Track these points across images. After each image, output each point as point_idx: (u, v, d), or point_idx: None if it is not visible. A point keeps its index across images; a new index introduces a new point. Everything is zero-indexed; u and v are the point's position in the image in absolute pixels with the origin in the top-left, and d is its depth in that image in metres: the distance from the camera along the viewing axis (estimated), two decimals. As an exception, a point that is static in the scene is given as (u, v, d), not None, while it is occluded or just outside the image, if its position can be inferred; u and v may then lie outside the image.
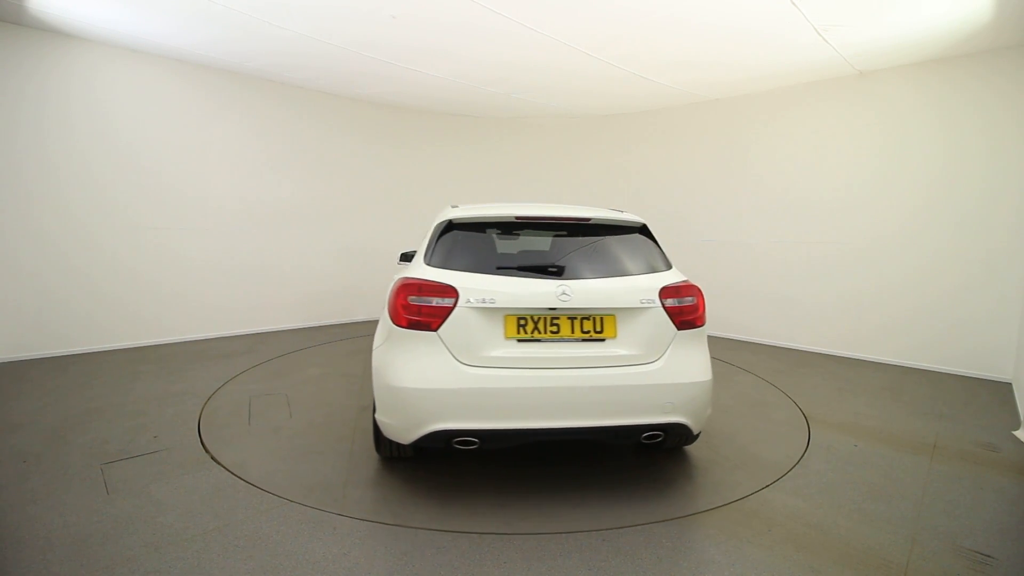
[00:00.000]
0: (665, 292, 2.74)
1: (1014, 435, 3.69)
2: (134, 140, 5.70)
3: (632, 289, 2.72)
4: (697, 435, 2.98)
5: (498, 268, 2.72)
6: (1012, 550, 2.38)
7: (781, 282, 6.37)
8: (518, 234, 3.02)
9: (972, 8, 4.04)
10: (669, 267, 2.97)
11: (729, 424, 3.81)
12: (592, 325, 2.65)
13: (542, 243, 2.93)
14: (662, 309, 2.70)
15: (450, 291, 2.60)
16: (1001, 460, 3.30)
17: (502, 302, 2.58)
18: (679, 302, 2.75)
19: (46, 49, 5.11)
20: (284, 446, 3.34)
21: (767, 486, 2.92)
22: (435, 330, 2.57)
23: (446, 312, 2.57)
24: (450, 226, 2.93)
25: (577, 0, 4.04)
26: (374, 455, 3.19)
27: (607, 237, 2.96)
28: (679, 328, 2.73)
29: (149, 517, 2.50)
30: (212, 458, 3.14)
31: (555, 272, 2.71)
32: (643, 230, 3.09)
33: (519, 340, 2.60)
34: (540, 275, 2.68)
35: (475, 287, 2.61)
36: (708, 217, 6.97)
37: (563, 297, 2.59)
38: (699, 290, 2.87)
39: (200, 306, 6.23)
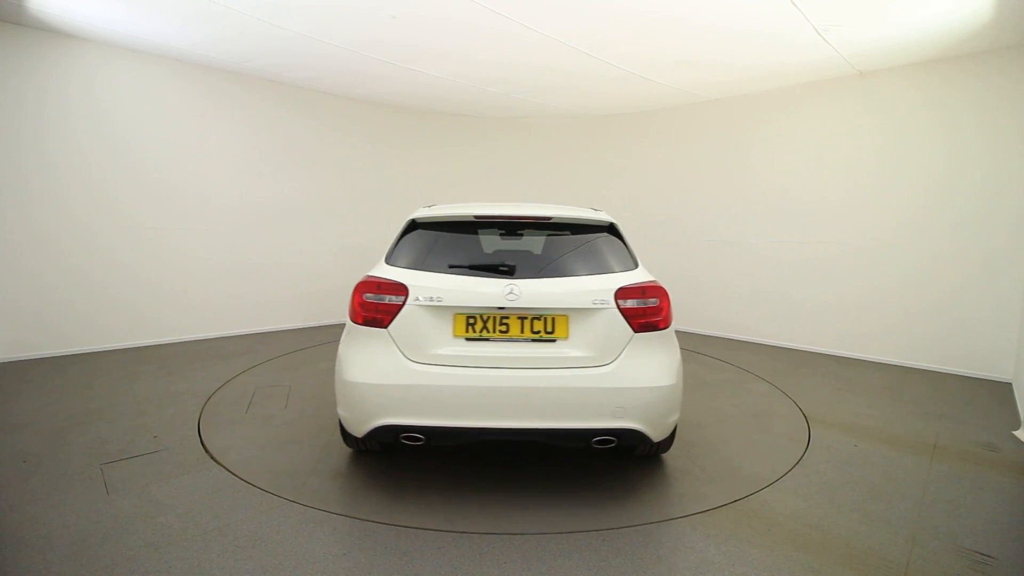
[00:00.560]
0: (621, 293, 2.64)
1: (1014, 435, 3.69)
2: (134, 140, 5.70)
3: (585, 290, 2.65)
4: (661, 442, 2.84)
5: (450, 267, 2.75)
6: (1012, 550, 2.38)
7: (781, 282, 6.37)
8: (479, 234, 2.96)
9: (972, 8, 4.04)
10: (635, 267, 2.88)
11: (728, 426, 3.81)
12: (543, 325, 2.62)
13: (502, 243, 2.93)
14: (617, 311, 2.61)
15: (400, 289, 2.65)
16: (1001, 460, 3.30)
17: (450, 300, 2.61)
18: (638, 303, 2.64)
19: (46, 49, 5.11)
20: (269, 435, 3.50)
21: (767, 486, 2.92)
22: (386, 327, 2.63)
23: (396, 309, 2.63)
24: (413, 225, 3.00)
25: (577, 0, 4.04)
26: (347, 447, 3.27)
27: (570, 236, 2.92)
28: (637, 330, 2.63)
29: (149, 517, 2.50)
30: (212, 458, 3.14)
31: (506, 271, 2.69)
32: (611, 229, 3.00)
33: (468, 339, 2.62)
34: (491, 274, 2.68)
35: (425, 285, 2.65)
36: (708, 217, 6.97)
37: (511, 297, 2.58)
38: (663, 291, 2.75)
39: (200, 306, 6.23)
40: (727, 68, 5.55)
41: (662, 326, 2.70)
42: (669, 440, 3.02)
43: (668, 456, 3.26)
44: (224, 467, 3.03)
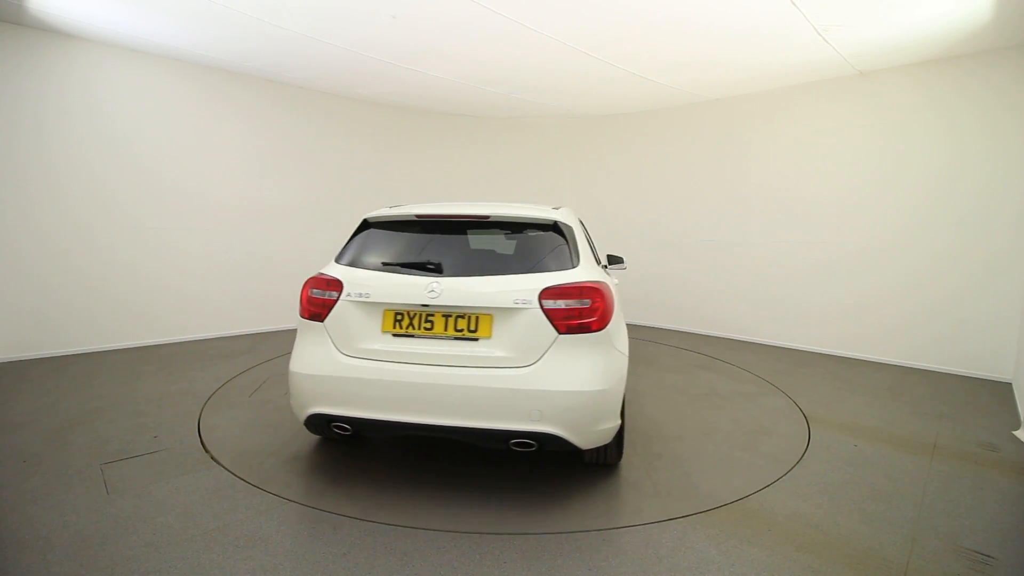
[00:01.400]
0: (546, 293, 2.56)
1: (1014, 435, 3.69)
2: (134, 139, 5.70)
3: (509, 289, 2.60)
4: (605, 451, 2.83)
5: (383, 264, 2.84)
6: (1012, 550, 2.38)
7: (781, 282, 6.37)
8: (421, 233, 3.00)
9: (972, 8, 4.04)
10: (573, 266, 2.74)
11: (710, 440, 3.72)
12: (466, 324, 2.62)
13: (440, 241, 2.93)
14: (540, 311, 2.54)
15: (337, 285, 2.77)
16: (1001, 460, 3.30)
17: (377, 297, 2.69)
18: (565, 304, 2.55)
19: (46, 49, 5.11)
20: (255, 418, 3.74)
21: (767, 486, 2.92)
22: (323, 321, 2.76)
23: (332, 304, 2.75)
24: (365, 225, 3.11)
25: (577, 0, 4.04)
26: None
27: (509, 235, 2.92)
28: (563, 332, 2.54)
29: (149, 517, 2.51)
30: (212, 458, 3.14)
31: (433, 269, 2.72)
32: (555, 227, 2.90)
33: (395, 335, 2.68)
34: (418, 272, 2.72)
35: (357, 281, 2.76)
36: (708, 217, 6.97)
37: (431, 294, 2.61)
38: (598, 292, 2.62)
39: (201, 305, 6.23)
40: (727, 68, 5.55)
41: (594, 328, 2.58)
42: (615, 450, 2.94)
43: (623, 467, 3.10)
44: (224, 467, 3.03)
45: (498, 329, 2.59)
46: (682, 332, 7.12)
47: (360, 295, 2.71)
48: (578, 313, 2.56)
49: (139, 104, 5.71)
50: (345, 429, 2.71)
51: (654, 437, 3.57)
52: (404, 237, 3.00)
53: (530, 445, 2.55)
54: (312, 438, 3.44)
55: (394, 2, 4.16)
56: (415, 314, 2.67)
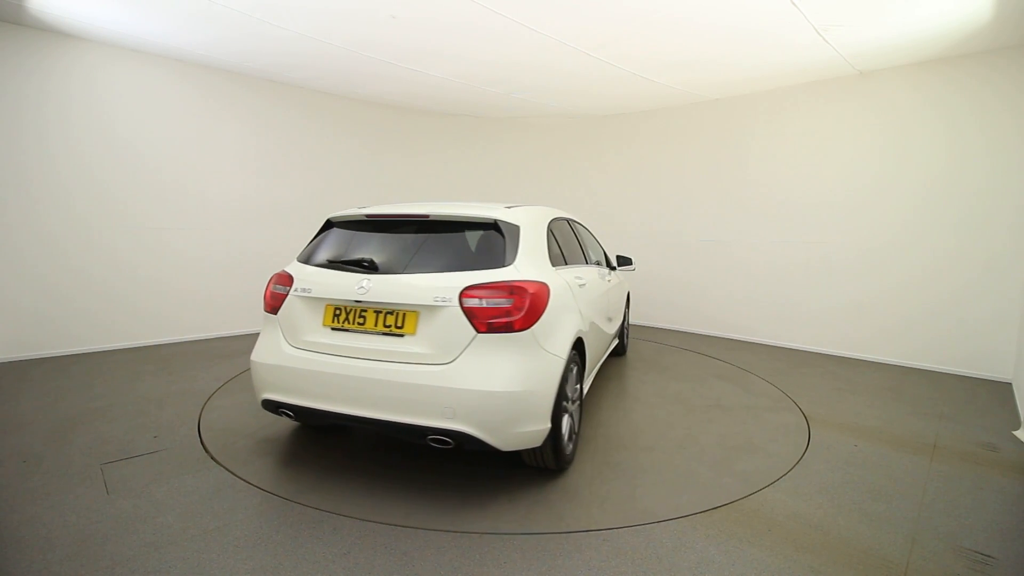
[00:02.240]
0: (467, 291, 2.57)
1: (1014, 435, 3.69)
2: (135, 139, 5.70)
3: (433, 286, 2.63)
4: (541, 454, 2.79)
5: (328, 261, 2.98)
6: (1012, 550, 2.38)
7: (781, 282, 6.37)
8: (370, 232, 3.09)
9: (972, 8, 4.04)
10: (506, 264, 2.73)
11: (682, 454, 3.57)
12: (394, 320, 2.69)
13: (384, 240, 3.02)
14: (460, 309, 2.56)
15: (288, 280, 2.98)
16: (1001, 460, 3.30)
17: (317, 292, 2.85)
18: (486, 303, 2.55)
19: (46, 49, 5.11)
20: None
21: (767, 486, 2.92)
22: (276, 314, 2.98)
23: (283, 299, 2.96)
24: (328, 224, 3.29)
25: (577, 0, 4.04)
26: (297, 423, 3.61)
27: (447, 234, 2.95)
28: (483, 331, 2.54)
29: (149, 517, 2.51)
30: (212, 458, 3.14)
31: (367, 266, 2.83)
32: (495, 226, 2.91)
33: (333, 328, 2.81)
34: (354, 269, 2.84)
35: (304, 277, 2.94)
36: (708, 217, 6.97)
37: (360, 291, 2.71)
38: (523, 291, 2.60)
39: (201, 305, 6.23)
40: (727, 68, 5.55)
41: (516, 327, 2.57)
42: (551, 455, 2.84)
43: (573, 472, 3.02)
44: (224, 467, 3.04)
45: (422, 326, 2.64)
46: (683, 332, 7.12)
47: (304, 290, 2.88)
48: (500, 312, 2.56)
49: (139, 104, 5.71)
50: (289, 415, 2.88)
51: (625, 446, 3.41)
52: (354, 236, 3.12)
53: (446, 443, 2.57)
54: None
55: (394, 2, 4.16)
56: (350, 309, 2.78)
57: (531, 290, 2.64)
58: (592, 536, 2.42)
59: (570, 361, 2.93)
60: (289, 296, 2.93)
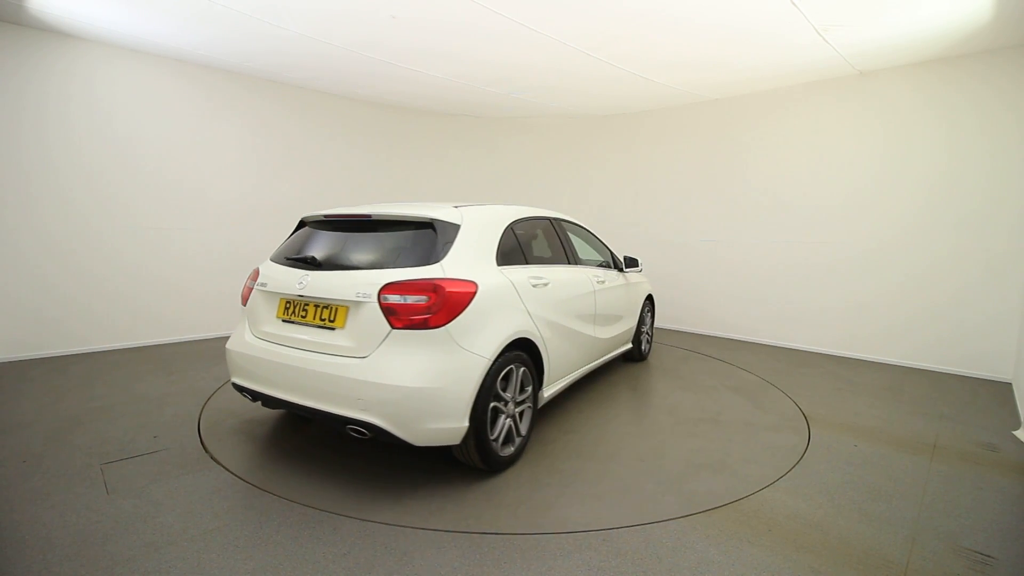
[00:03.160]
0: (386, 288, 2.66)
1: (1014, 435, 3.69)
2: (135, 139, 5.70)
3: (356, 283, 2.75)
4: (459, 449, 2.81)
5: (286, 258, 3.19)
6: (1012, 550, 2.38)
7: (781, 283, 6.37)
8: (326, 231, 3.29)
9: (972, 8, 4.04)
10: (433, 262, 2.80)
11: (643, 466, 3.43)
12: (328, 314, 2.84)
13: (331, 238, 3.22)
14: (377, 305, 2.66)
15: (256, 275, 3.25)
16: (1001, 460, 3.30)
17: (271, 287, 3.08)
18: (401, 299, 2.63)
19: (46, 49, 5.12)
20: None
21: (767, 486, 2.92)
22: (246, 306, 3.27)
23: (250, 292, 3.25)
24: (301, 224, 3.51)
25: (577, 0, 4.04)
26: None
27: (385, 233, 3.08)
28: (398, 327, 2.62)
29: (149, 517, 2.51)
30: (212, 458, 3.15)
31: (309, 263, 3.05)
32: (430, 225, 2.99)
33: (283, 320, 3.02)
34: (300, 265, 3.06)
35: (266, 272, 3.19)
36: (708, 217, 6.97)
37: (300, 285, 2.91)
38: (441, 289, 2.65)
39: (202, 305, 6.23)
40: (727, 68, 5.55)
41: (430, 324, 2.62)
42: (476, 454, 2.83)
43: (507, 474, 2.98)
44: (224, 467, 3.04)
45: (350, 320, 2.76)
46: (683, 332, 7.12)
47: (263, 284, 3.13)
48: (415, 309, 2.62)
49: (139, 104, 5.71)
50: (251, 398, 3.11)
51: (581, 454, 3.27)
52: (313, 234, 3.31)
53: (364, 433, 2.67)
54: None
55: (394, 2, 4.16)
56: (296, 303, 2.98)
57: (449, 288, 2.68)
58: (592, 536, 2.42)
59: (504, 362, 2.90)
60: (254, 290, 3.19)
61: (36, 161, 5.15)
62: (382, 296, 2.66)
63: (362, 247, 3.06)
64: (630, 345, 5.27)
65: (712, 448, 3.43)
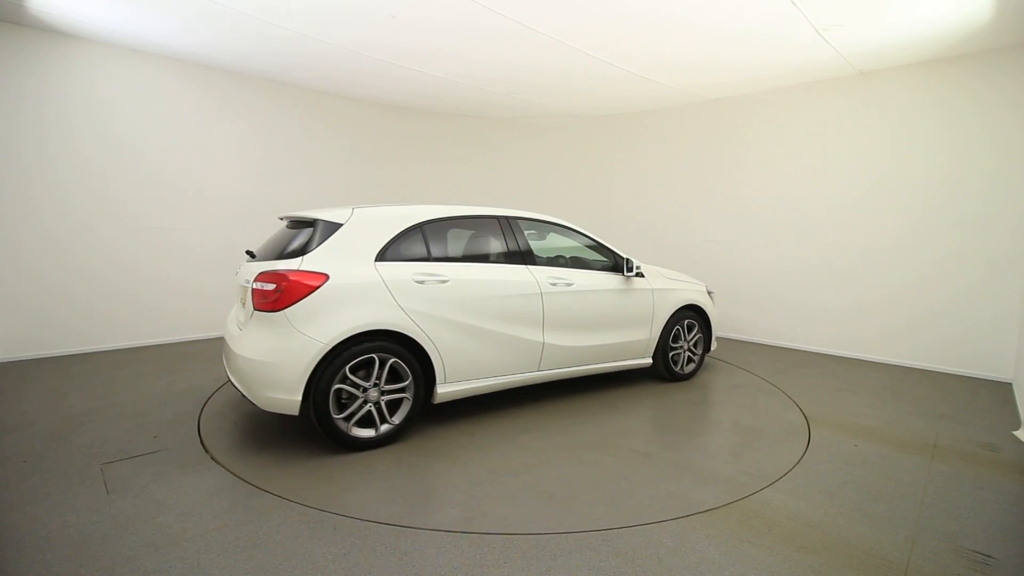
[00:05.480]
0: (257, 277, 3.17)
1: (1014, 435, 3.69)
2: (135, 139, 5.70)
3: (250, 272, 3.33)
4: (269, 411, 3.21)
5: (246, 252, 3.80)
6: (1012, 550, 2.38)
7: (782, 283, 6.37)
8: (283, 229, 3.76)
9: (972, 8, 4.04)
10: (300, 256, 3.20)
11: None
12: (244, 297, 3.43)
13: (280, 235, 3.72)
14: (251, 290, 3.19)
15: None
16: (1001, 460, 3.30)
17: (238, 278, 3.64)
18: (260, 286, 3.12)
19: (46, 49, 5.12)
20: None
21: (767, 486, 2.92)
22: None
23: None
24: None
25: (577, 0, 4.04)
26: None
27: (297, 230, 3.52)
28: (257, 308, 3.12)
29: (149, 517, 2.51)
30: (212, 458, 3.14)
31: (251, 256, 3.68)
32: (311, 224, 3.41)
33: (242, 305, 3.52)
34: (248, 258, 3.67)
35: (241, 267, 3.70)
36: (708, 217, 6.97)
37: (236, 275, 3.65)
38: (284, 279, 3.06)
39: (202, 305, 6.22)
40: (727, 68, 5.55)
41: (275, 308, 3.05)
42: (319, 426, 3.13)
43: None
44: (224, 467, 3.04)
45: (247, 303, 3.31)
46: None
47: (235, 274, 3.78)
48: (266, 295, 3.08)
49: (139, 104, 5.71)
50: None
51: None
52: (276, 231, 3.85)
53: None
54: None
55: (394, 2, 4.16)
56: (244, 289, 3.43)
57: (292, 278, 3.07)
58: (592, 536, 2.42)
59: (362, 351, 3.15)
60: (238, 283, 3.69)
61: (36, 161, 5.15)
62: (254, 283, 3.16)
63: (277, 243, 3.59)
64: (648, 360, 4.60)
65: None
